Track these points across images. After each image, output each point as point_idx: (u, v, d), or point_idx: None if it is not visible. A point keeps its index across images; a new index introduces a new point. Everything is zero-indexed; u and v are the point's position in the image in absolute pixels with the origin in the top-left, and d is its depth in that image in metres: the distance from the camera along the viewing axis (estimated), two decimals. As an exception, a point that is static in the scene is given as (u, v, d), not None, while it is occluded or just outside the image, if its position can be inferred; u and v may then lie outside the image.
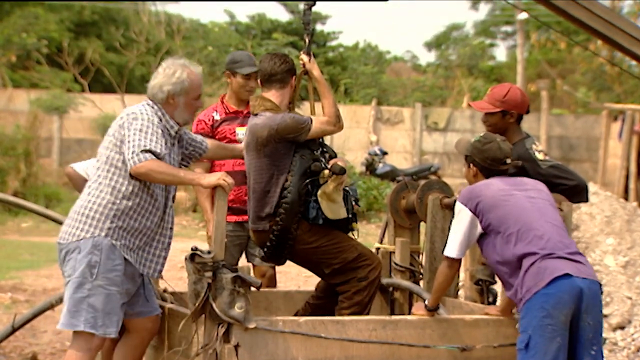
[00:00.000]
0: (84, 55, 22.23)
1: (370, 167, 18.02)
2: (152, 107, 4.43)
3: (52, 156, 19.83)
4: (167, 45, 22.22)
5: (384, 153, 18.47)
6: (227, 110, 5.95)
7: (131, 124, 4.31)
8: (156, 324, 4.50)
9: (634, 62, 29.28)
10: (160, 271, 4.46)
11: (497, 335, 4.47)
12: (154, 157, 4.22)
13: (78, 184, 4.92)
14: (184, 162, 4.71)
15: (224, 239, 4.21)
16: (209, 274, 4.02)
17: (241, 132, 5.90)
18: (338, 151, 19.09)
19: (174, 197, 4.56)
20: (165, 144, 4.36)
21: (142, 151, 4.20)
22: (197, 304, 4.03)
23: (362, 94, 25.55)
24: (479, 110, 5.00)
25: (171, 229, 4.50)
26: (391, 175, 17.55)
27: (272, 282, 6.01)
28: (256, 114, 4.96)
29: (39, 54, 22.49)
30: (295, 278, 9.88)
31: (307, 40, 5.26)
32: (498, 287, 5.08)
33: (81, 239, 4.28)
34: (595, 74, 27.72)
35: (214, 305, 4.01)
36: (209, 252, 4.08)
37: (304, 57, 5.15)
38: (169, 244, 4.51)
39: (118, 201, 4.30)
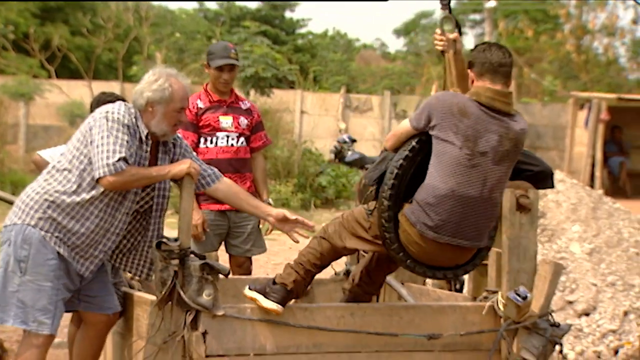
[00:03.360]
0: (50, 41, 22.01)
1: (339, 154, 17.94)
2: (128, 109, 4.27)
3: (19, 142, 19.64)
4: (135, 32, 22.06)
5: (353, 141, 18.39)
6: (211, 99, 5.95)
7: (101, 125, 4.16)
8: (112, 318, 4.42)
9: (600, 51, 29.53)
10: (92, 271, 4.29)
11: (464, 322, 4.50)
12: (127, 165, 4.12)
13: None
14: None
15: (190, 227, 4.20)
16: (176, 261, 4.01)
17: (225, 120, 5.91)
18: (307, 139, 19.16)
19: (158, 203, 4.40)
20: (131, 147, 4.20)
21: (116, 161, 4.08)
22: (164, 292, 4.02)
23: (331, 81, 25.54)
24: None
25: (118, 234, 4.30)
26: (360, 163, 17.47)
27: (248, 272, 6.02)
28: (512, 114, 4.26)
29: (5, 39, 22.24)
30: (264, 265, 9.89)
31: (444, 15, 4.62)
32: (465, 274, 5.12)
33: (11, 224, 4.20)
34: (562, 63, 27.89)
35: (181, 292, 4.01)
36: (175, 240, 4.07)
37: (454, 34, 4.56)
38: (113, 248, 4.34)
39: (57, 194, 4.19)
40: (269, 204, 6.02)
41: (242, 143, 5.95)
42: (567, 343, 6.54)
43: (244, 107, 6.05)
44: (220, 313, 4.09)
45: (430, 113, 4.17)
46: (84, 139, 4.24)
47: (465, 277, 5.13)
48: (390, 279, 5.26)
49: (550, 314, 4.57)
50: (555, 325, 4.54)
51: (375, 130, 21.10)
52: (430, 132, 4.17)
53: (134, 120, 4.25)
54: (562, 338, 4.67)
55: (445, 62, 4.53)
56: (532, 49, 28.34)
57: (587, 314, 6.92)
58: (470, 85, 4.29)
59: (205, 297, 4.03)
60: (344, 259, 5.73)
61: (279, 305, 4.24)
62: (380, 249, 4.35)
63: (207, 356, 4.09)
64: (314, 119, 20.47)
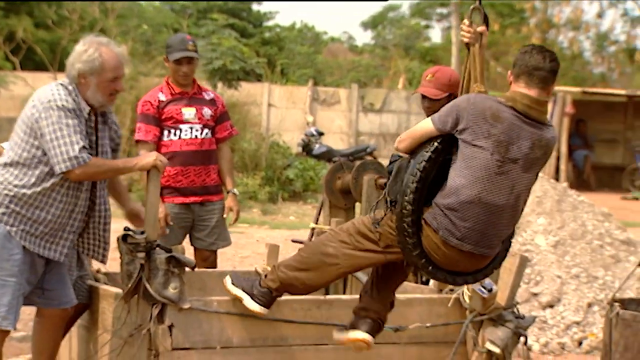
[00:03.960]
0: (14, 33, 21.78)
1: (306, 147, 18.03)
2: (66, 88, 4.20)
3: (-17, 135, 19.45)
4: (101, 24, 21.89)
5: (320, 134, 18.48)
6: (172, 91, 5.92)
7: (48, 117, 4.10)
8: (68, 311, 4.37)
9: (565, 45, 29.77)
10: (65, 254, 4.27)
11: (430, 314, 4.53)
12: (90, 157, 4.10)
13: None
14: (112, 142, 4.49)
15: (157, 220, 4.18)
16: (142, 254, 4.00)
17: (187, 112, 5.88)
18: (274, 131, 19.12)
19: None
20: (82, 130, 4.16)
21: (78, 153, 4.04)
22: (130, 285, 4.01)
23: (298, 74, 25.52)
24: (432, 97, 5.02)
25: (83, 212, 4.29)
26: (327, 155, 17.58)
27: (213, 266, 6.01)
28: (544, 124, 4.10)
29: (-32, 31, 22.00)
30: (231, 258, 9.88)
31: (474, 6, 4.37)
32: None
33: None
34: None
35: (147, 285, 3.99)
36: (142, 233, 4.05)
37: (482, 27, 4.35)
38: (81, 227, 4.33)
39: (17, 189, 4.15)
40: (234, 194, 6.01)
41: (206, 134, 5.92)
42: (532, 335, 6.60)
43: (207, 97, 6.01)
44: (186, 306, 4.08)
45: (459, 115, 3.98)
46: (31, 131, 4.19)
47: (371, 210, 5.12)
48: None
49: (515, 306, 4.61)
50: (520, 317, 4.58)
51: (343, 123, 21.13)
52: (458, 136, 3.98)
53: (75, 99, 4.20)
54: (526, 330, 4.71)
55: (470, 55, 4.32)
56: (499, 43, 28.50)
57: (551, 306, 6.99)
58: (510, 87, 4.12)
59: (172, 290, 4.03)
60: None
61: (264, 308, 4.18)
62: (393, 258, 4.14)
63: (173, 349, 4.09)
64: (281, 112, 20.45)
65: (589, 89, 21.75)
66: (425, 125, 4.07)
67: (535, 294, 6.99)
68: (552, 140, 4.10)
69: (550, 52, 4.10)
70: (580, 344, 6.82)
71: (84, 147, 4.09)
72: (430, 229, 3.99)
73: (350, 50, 34.01)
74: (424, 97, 5.07)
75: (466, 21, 4.34)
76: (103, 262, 4.46)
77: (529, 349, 5.36)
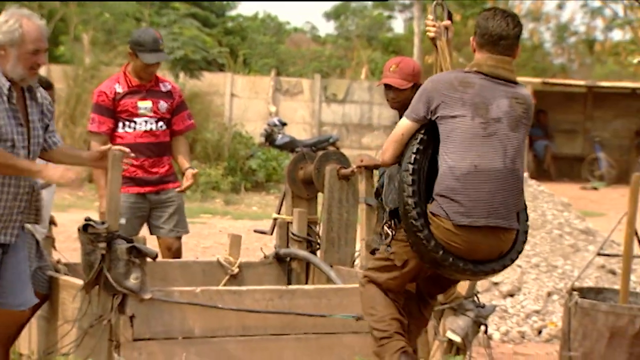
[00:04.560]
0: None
1: (269, 138, 18.01)
2: None
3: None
4: (61, 12, 21.65)
5: (283, 124, 18.47)
6: (129, 84, 5.86)
7: None
8: (23, 314, 4.22)
9: (526, 36, 29.95)
10: (17, 235, 4.14)
11: (392, 303, 4.55)
12: None
13: None
14: (46, 119, 4.33)
15: (118, 210, 4.16)
16: (103, 244, 3.97)
17: (143, 105, 5.84)
18: (237, 122, 19.05)
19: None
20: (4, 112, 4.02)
21: None
22: (90, 275, 3.98)
23: (260, 64, 25.45)
24: (398, 87, 5.03)
25: (28, 193, 4.18)
26: (290, 146, 17.57)
27: (178, 255, 5.98)
28: (516, 82, 4.04)
29: None
30: (194, 249, 9.84)
31: (438, 2, 4.42)
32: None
33: None
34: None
35: (108, 276, 3.97)
36: (102, 223, 4.03)
37: (446, 22, 4.40)
38: (26, 206, 4.21)
39: None
40: (193, 169, 5.90)
41: (161, 127, 5.89)
42: (492, 323, 6.65)
43: (164, 89, 5.96)
44: (147, 296, 4.07)
45: (429, 97, 3.93)
46: None
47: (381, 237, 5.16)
48: (319, 261, 5.29)
49: (476, 295, 4.65)
50: (481, 306, 4.62)
51: (306, 113, 21.12)
52: (434, 117, 3.91)
53: None
54: (487, 319, 4.75)
55: (438, 50, 4.33)
56: (460, 34, 28.54)
57: (511, 295, 7.04)
58: (474, 54, 4.05)
59: (133, 281, 4.01)
60: (273, 241, 5.75)
61: None
62: (413, 268, 4.04)
63: (134, 340, 4.07)
64: (244, 102, 20.39)
65: (549, 80, 21.95)
66: (402, 124, 4.04)
67: (495, 283, 7.04)
68: (528, 97, 4.03)
69: (513, 15, 4.04)
70: (540, 332, 6.89)
71: None
72: (439, 218, 3.90)
73: (313, 40, 33.98)
74: (389, 87, 5.07)
75: (430, 16, 4.35)
76: (37, 222, 4.29)
77: (490, 338, 5.40)
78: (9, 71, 4.11)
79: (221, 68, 21.09)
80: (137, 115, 5.82)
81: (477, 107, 3.89)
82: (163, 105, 5.90)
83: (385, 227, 4.10)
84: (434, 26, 4.33)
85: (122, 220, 5.74)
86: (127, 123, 5.82)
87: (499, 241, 3.97)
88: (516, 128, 3.96)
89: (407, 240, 3.98)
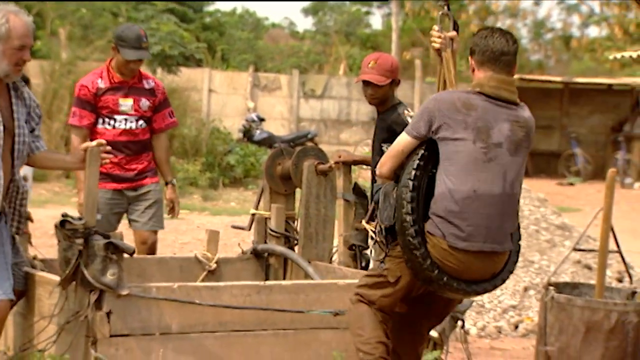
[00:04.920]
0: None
1: (247, 133, 17.99)
2: None
3: None
4: (37, 7, 21.50)
5: (261, 120, 18.45)
6: (112, 80, 5.82)
7: None
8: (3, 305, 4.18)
9: (504, 33, 30.09)
10: None
11: (369, 298, 4.56)
12: None
13: None
14: (32, 122, 4.30)
15: (95, 205, 4.14)
16: (80, 240, 3.95)
17: (124, 103, 5.81)
18: (215, 117, 19.01)
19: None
20: None
21: None
22: (67, 271, 3.97)
23: (238, 59, 25.41)
24: (377, 83, 5.04)
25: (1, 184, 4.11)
26: (268, 141, 17.55)
27: (153, 249, 5.97)
28: (518, 103, 4.01)
29: None
30: (172, 245, 9.82)
31: (444, 12, 4.35)
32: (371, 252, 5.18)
33: None
34: (467, 43, 28.28)
35: (85, 272, 3.96)
36: (80, 219, 4.01)
37: (452, 33, 4.32)
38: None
39: None
40: (173, 185, 5.99)
41: (141, 125, 5.87)
42: (469, 318, 6.68)
43: (147, 86, 5.93)
44: (124, 292, 4.05)
45: (431, 116, 3.89)
46: None
47: (371, 254, 5.20)
48: (297, 257, 5.29)
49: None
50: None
51: (284, 109, 21.12)
52: (435, 137, 3.89)
53: None
54: (464, 314, 4.78)
55: (443, 61, 4.25)
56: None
57: (488, 290, 7.08)
58: (471, 74, 4.04)
59: (110, 277, 3.99)
60: (251, 237, 5.75)
61: None
62: (406, 285, 4.04)
63: (111, 336, 4.06)
64: (222, 98, 20.35)
65: (526, 76, 22.04)
66: (402, 140, 4.00)
67: (473, 279, 7.08)
68: (530, 120, 4.03)
69: (510, 33, 4.05)
70: (516, 327, 6.92)
71: None
72: (435, 237, 3.90)
73: (292, 36, 33.98)
74: (367, 84, 5.09)
75: (436, 27, 4.29)
76: (17, 233, 4.29)
77: (467, 333, 5.42)
78: None
79: (199, 64, 21.03)
80: (118, 113, 5.80)
81: (479, 131, 3.88)
82: (145, 103, 5.87)
83: (379, 244, 4.10)
84: (440, 37, 4.27)
85: (98, 217, 5.72)
86: (107, 120, 5.80)
87: (493, 263, 4.01)
88: (516, 152, 3.97)
89: (402, 257, 3.98)
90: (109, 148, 4.27)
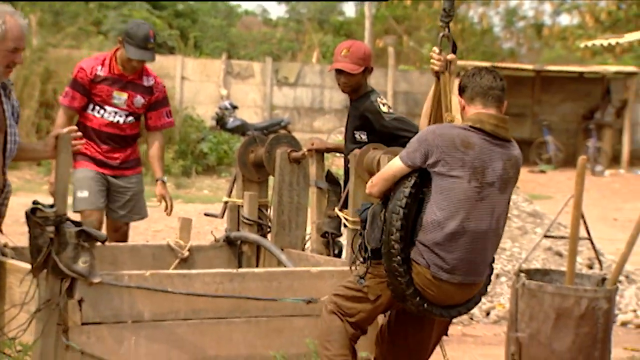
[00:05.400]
0: None
1: (220, 121, 17.94)
2: None
3: None
4: (8, -7, 21.30)
5: (235, 107, 18.40)
6: (112, 70, 5.78)
7: None
8: None
9: (476, 20, 30.15)
10: None
11: (342, 286, 4.57)
12: None
13: None
14: (13, 119, 4.29)
15: (67, 193, 4.11)
16: (51, 228, 3.93)
17: (118, 96, 5.78)
18: (188, 105, 18.92)
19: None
20: None
21: None
22: (39, 259, 3.94)
23: (211, 47, 25.30)
24: (350, 71, 5.04)
25: None
26: (242, 129, 17.52)
27: (125, 238, 5.96)
28: (510, 140, 4.09)
29: None
30: (144, 232, 9.79)
31: (445, 34, 4.34)
32: (343, 239, 5.19)
33: None
34: (439, 31, 28.35)
35: (57, 259, 3.94)
36: (51, 206, 3.98)
37: (451, 55, 4.33)
38: None
39: None
40: (163, 182, 5.95)
41: (130, 121, 5.86)
42: (442, 305, 6.71)
43: (146, 83, 5.89)
44: (96, 280, 4.03)
45: (428, 150, 3.94)
46: None
47: (344, 241, 5.21)
48: (269, 244, 5.29)
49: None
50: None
51: (257, 96, 21.06)
52: (430, 169, 3.95)
53: None
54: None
55: (441, 84, 4.26)
56: (411, 18, 28.75)
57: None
58: (462, 112, 4.11)
59: (82, 265, 3.97)
60: (223, 225, 5.74)
61: None
62: (384, 302, 4.12)
63: (83, 324, 4.04)
64: (195, 85, 20.26)
65: (498, 64, 22.12)
66: (395, 165, 4.03)
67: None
68: (519, 157, 4.12)
69: (495, 71, 4.14)
70: (488, 314, 6.97)
71: None
72: (420, 266, 3.97)
73: (265, 23, 33.85)
74: (340, 72, 5.09)
75: (436, 49, 4.29)
76: None
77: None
78: None
79: (172, 51, 20.93)
80: (110, 105, 5.78)
81: (475, 171, 3.95)
82: (139, 100, 5.85)
83: (359, 259, 4.12)
84: (439, 60, 4.28)
85: (85, 194, 5.69)
86: (97, 107, 5.79)
87: (471, 291, 4.12)
88: (505, 189, 4.05)
89: (384, 278, 4.03)
90: (80, 134, 4.25)
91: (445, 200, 3.93)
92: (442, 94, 4.29)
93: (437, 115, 4.35)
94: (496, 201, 4.02)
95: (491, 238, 4.06)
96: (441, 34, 4.33)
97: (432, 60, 4.30)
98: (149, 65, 5.95)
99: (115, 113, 5.80)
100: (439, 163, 3.93)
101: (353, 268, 4.19)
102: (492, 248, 4.12)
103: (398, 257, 3.94)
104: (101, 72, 5.77)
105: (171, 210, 5.93)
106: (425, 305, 4.02)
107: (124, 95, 5.80)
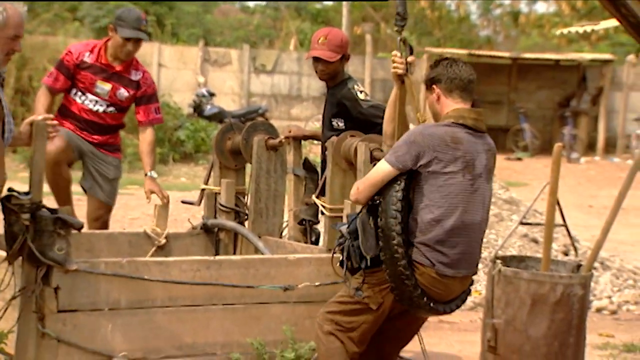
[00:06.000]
0: None
1: (197, 108, 17.89)
2: None
3: None
4: (-18, -22, 21.09)
5: (212, 94, 18.36)
6: (99, 60, 5.74)
7: None
8: None
9: (453, 7, 30.19)
10: None
11: (319, 274, 4.59)
12: None
13: None
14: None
15: (42, 181, 4.09)
16: (27, 215, 3.91)
17: (101, 86, 5.75)
18: (165, 92, 18.84)
19: None
20: None
21: None
22: (14, 246, 3.92)
23: (187, 34, 25.18)
24: (328, 59, 5.04)
25: None
26: (219, 116, 17.48)
27: (105, 226, 5.92)
28: (484, 132, 4.16)
29: None
30: (121, 220, 9.76)
31: (402, 37, 4.34)
32: (321, 226, 5.20)
33: None
34: (417, 19, 28.41)
35: (32, 247, 3.92)
36: (26, 194, 3.96)
37: (411, 57, 4.35)
38: None
39: None
40: (153, 177, 5.88)
41: (111, 111, 5.83)
42: (419, 292, 6.74)
43: (134, 77, 5.85)
44: (72, 268, 4.02)
45: (420, 152, 3.95)
46: None
47: (321, 229, 5.22)
48: (247, 232, 5.30)
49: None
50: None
51: (234, 84, 21.00)
52: (422, 170, 3.96)
53: None
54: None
55: (406, 86, 4.31)
56: (388, 5, 28.70)
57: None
58: (436, 103, 4.12)
59: (57, 252, 3.96)
60: (201, 212, 5.73)
61: None
62: (387, 308, 4.09)
63: (59, 311, 4.03)
64: (172, 73, 20.18)
65: (475, 52, 22.17)
66: (383, 169, 4.01)
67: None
68: (494, 146, 4.20)
69: (466, 63, 4.16)
70: (464, 300, 7.00)
71: None
72: (423, 267, 3.98)
73: (242, 11, 33.71)
74: (317, 60, 5.09)
75: (397, 53, 4.31)
76: None
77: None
78: None
79: (148, 38, 20.76)
80: (91, 93, 5.77)
81: (467, 164, 4.01)
82: (122, 93, 5.80)
83: (351, 271, 4.08)
84: (401, 63, 4.31)
85: (61, 131, 5.62)
86: (79, 93, 5.78)
87: (467, 283, 4.20)
88: (489, 179, 4.13)
89: (385, 285, 4.03)
90: (55, 122, 4.22)
91: (442, 197, 3.97)
92: (410, 95, 4.34)
93: (402, 118, 4.39)
94: (485, 192, 4.10)
95: (483, 228, 4.14)
96: (399, 38, 4.34)
97: (394, 65, 4.33)
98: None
99: (96, 102, 5.77)
100: (433, 162, 3.97)
101: (347, 284, 4.12)
102: (482, 237, 4.20)
103: (403, 260, 3.94)
104: (88, 58, 5.75)
105: (168, 200, 5.78)
106: (432, 304, 4.05)
107: (107, 86, 5.77)
